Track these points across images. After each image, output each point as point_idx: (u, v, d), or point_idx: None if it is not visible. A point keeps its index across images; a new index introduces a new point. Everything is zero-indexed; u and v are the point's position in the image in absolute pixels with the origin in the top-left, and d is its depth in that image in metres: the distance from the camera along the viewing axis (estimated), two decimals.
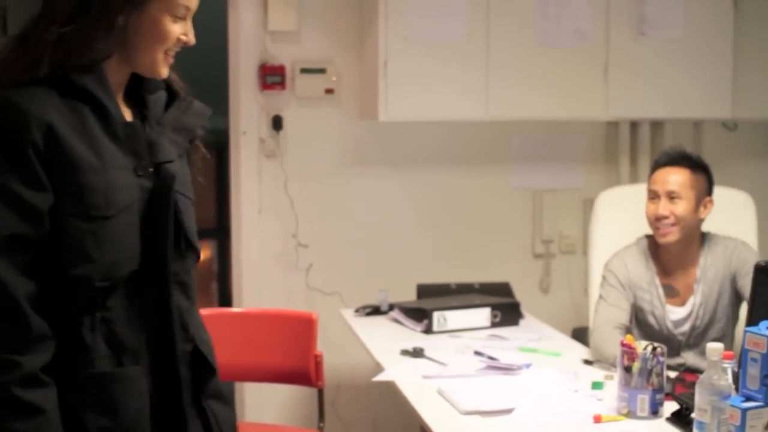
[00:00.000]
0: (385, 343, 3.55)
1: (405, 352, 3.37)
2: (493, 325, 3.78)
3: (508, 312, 3.84)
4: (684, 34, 4.35)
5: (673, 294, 3.37)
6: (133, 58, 1.85)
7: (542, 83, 4.29)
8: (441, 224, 4.63)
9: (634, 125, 4.68)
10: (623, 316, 3.33)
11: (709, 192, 3.40)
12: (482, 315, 3.79)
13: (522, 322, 3.86)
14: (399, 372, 3.15)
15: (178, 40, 1.87)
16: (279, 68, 4.39)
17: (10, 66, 1.77)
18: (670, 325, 3.35)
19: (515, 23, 4.24)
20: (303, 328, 3.73)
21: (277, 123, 4.42)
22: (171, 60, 1.89)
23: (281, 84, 4.40)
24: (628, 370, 2.68)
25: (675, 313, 3.36)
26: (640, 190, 3.51)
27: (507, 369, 3.13)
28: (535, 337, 3.63)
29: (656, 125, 4.69)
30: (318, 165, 4.49)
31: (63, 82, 1.76)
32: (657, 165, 3.42)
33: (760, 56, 4.48)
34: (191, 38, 1.89)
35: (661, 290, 3.36)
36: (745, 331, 2.25)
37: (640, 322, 3.41)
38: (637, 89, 4.36)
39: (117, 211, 1.77)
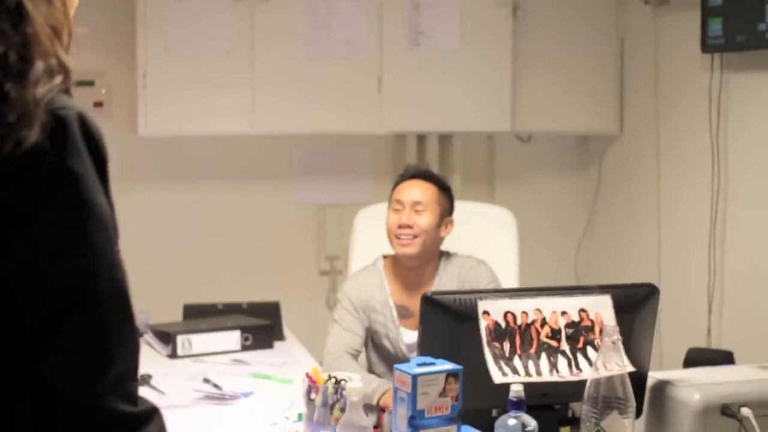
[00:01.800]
0: None
1: None
2: (244, 348, 3.64)
3: (260, 334, 3.70)
4: (459, 45, 4.27)
5: (407, 315, 3.27)
6: None
7: (313, 96, 4.18)
8: (221, 241, 4.49)
9: (421, 138, 4.59)
10: (356, 340, 3.22)
11: (450, 213, 3.32)
12: (232, 338, 3.65)
13: (279, 344, 3.74)
14: None
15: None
16: None
17: None
18: (404, 348, 3.25)
19: (283, 34, 4.12)
20: None
21: None
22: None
23: None
24: (311, 403, 2.56)
25: (409, 335, 3.26)
26: None
27: (220, 399, 2.99)
28: (280, 361, 3.50)
29: (445, 137, 4.61)
30: None
31: None
32: (403, 178, 3.34)
33: (541, 66, 4.42)
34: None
35: (395, 312, 3.26)
36: (395, 368, 2.16)
37: (376, 345, 3.31)
38: (412, 102, 4.27)
39: None
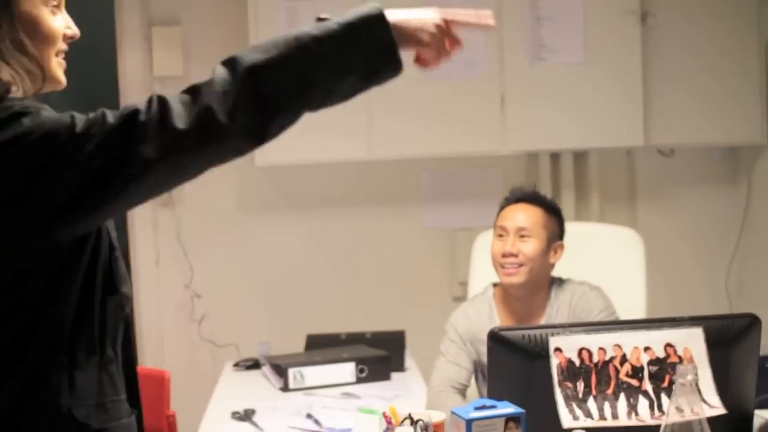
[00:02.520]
0: (230, 402, 3.35)
1: (235, 415, 3.17)
2: (359, 380, 3.54)
3: (376, 366, 3.59)
4: (584, 57, 4.04)
5: None
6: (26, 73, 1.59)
7: (432, 118, 4.04)
8: (347, 269, 4.42)
9: (555, 156, 4.38)
10: (462, 374, 3.06)
11: (561, 236, 3.12)
12: (346, 370, 3.56)
13: (398, 376, 3.62)
14: None
15: (65, 36, 1.64)
16: None
17: None
18: None
19: None
20: (156, 386, 3.56)
21: None
22: (64, 64, 1.66)
23: None
24: None
25: None
26: None
27: None
28: (392, 394, 3.37)
29: (580, 154, 4.38)
30: (212, 212, 4.33)
31: None
32: (507, 202, 3.16)
33: (677, 75, 4.13)
34: (75, 29, 1.66)
35: None
36: (452, 411, 2.01)
37: (486, 379, 3.13)
38: (536, 119, 4.07)
39: None
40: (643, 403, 2.07)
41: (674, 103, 4.14)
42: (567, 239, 3.33)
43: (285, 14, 3.99)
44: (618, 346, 2.11)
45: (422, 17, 1.63)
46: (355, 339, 3.96)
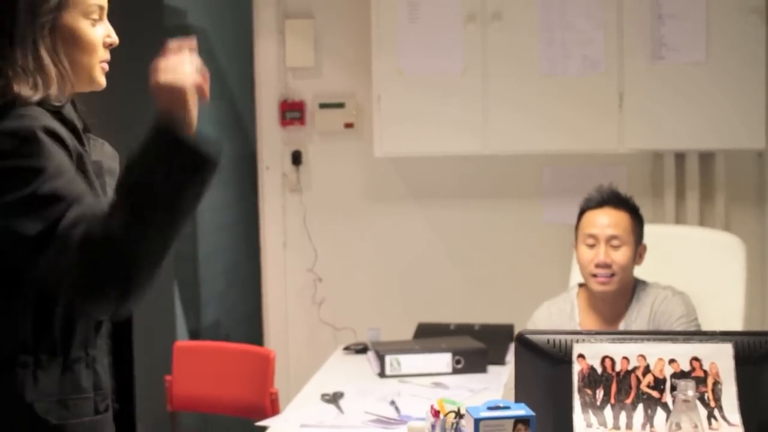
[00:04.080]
0: (328, 384, 3.50)
1: (324, 397, 3.32)
2: (455, 371, 3.62)
3: (473, 358, 3.65)
4: (705, 56, 3.95)
5: None
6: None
7: (549, 115, 4.06)
8: (468, 261, 4.48)
9: (680, 156, 4.30)
10: None
11: (642, 237, 3.10)
12: (443, 360, 3.64)
13: (496, 369, 3.67)
14: (281, 420, 3.11)
15: (104, 44, 1.81)
16: (298, 104, 4.44)
17: None
18: None
19: (516, 52, 4.04)
20: (261, 364, 3.75)
21: (296, 158, 4.47)
22: (107, 68, 1.83)
23: (300, 119, 4.44)
24: None
25: None
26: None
27: (386, 422, 3.01)
28: (481, 386, 3.44)
29: (706, 156, 4.28)
30: (337, 198, 4.49)
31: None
32: (591, 204, 3.13)
33: None
34: (115, 38, 1.82)
35: None
36: (466, 410, 2.08)
37: None
38: (655, 118, 4.02)
39: None
40: (660, 416, 2.08)
41: None
42: (665, 242, 3.31)
43: (406, 7, 4.09)
44: (642, 356, 2.12)
45: (179, 84, 1.63)
46: (463, 330, 4.04)
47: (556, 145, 4.11)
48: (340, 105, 4.44)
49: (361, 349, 3.97)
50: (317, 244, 4.49)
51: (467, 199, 4.47)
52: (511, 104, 4.07)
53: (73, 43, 1.77)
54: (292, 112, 4.44)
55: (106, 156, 1.88)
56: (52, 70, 1.73)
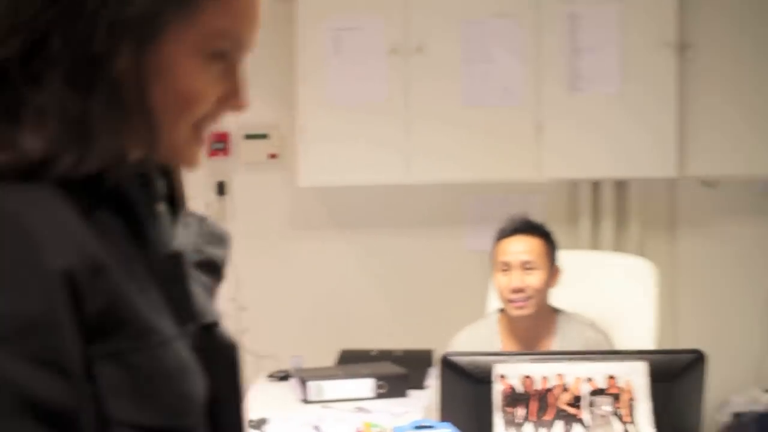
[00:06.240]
0: (252, 411, 3.51)
1: (249, 423, 3.34)
2: (379, 396, 3.67)
3: (394, 383, 3.71)
4: (620, 88, 4.09)
5: None
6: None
7: (470, 144, 4.16)
8: (391, 288, 4.55)
9: (596, 185, 4.43)
10: None
11: (555, 259, 3.19)
12: (366, 385, 3.69)
13: (418, 393, 3.73)
14: None
15: (221, 103, 1.07)
16: (222, 135, 4.47)
17: None
18: None
19: (438, 83, 4.14)
20: None
21: (221, 188, 4.50)
22: (204, 140, 1.09)
23: (224, 150, 4.48)
24: None
25: None
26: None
27: None
28: (403, 411, 3.49)
29: (621, 183, 4.42)
30: (261, 228, 4.53)
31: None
32: (504, 234, 3.22)
33: (718, 106, 4.14)
34: (243, 99, 1.10)
35: None
36: (393, 430, 2.13)
37: None
38: (572, 148, 4.14)
39: None
40: (577, 430, 2.15)
41: (715, 134, 4.15)
42: (581, 267, 3.40)
43: (330, 38, 4.17)
44: (560, 375, 2.19)
45: None
46: (385, 356, 4.10)
47: (478, 174, 4.20)
48: (264, 136, 4.48)
49: (284, 376, 4.00)
50: (241, 273, 4.51)
51: (391, 228, 4.54)
52: (433, 134, 4.15)
53: (161, 87, 1.01)
54: (217, 143, 4.48)
55: (207, 238, 1.20)
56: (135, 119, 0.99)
